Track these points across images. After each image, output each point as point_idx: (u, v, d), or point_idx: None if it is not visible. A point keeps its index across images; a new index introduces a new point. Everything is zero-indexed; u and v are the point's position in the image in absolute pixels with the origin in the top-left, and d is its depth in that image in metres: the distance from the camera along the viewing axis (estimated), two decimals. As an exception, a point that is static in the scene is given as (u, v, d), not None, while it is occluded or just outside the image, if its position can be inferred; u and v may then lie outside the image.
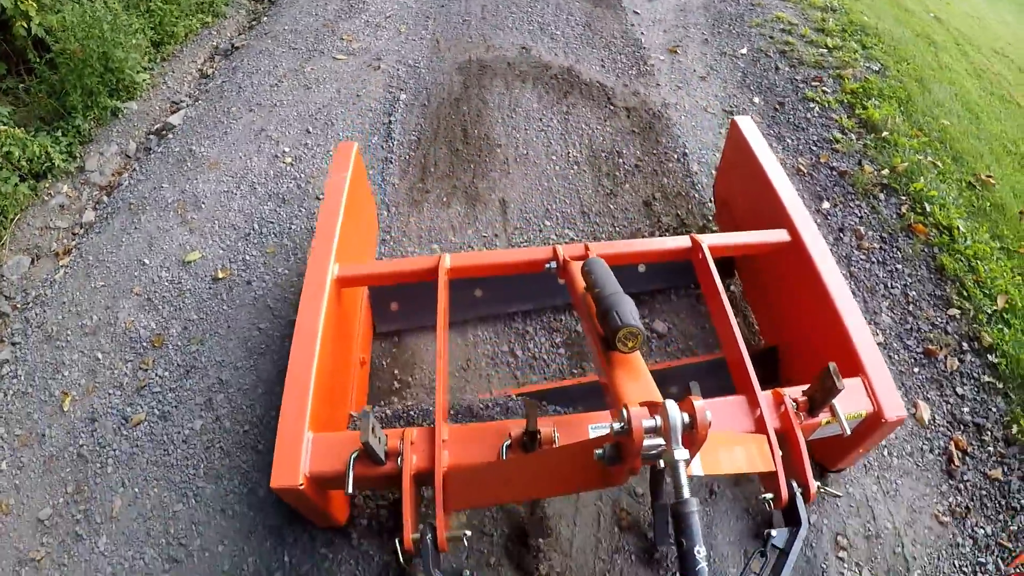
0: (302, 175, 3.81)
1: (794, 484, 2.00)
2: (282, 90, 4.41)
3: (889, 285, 3.35)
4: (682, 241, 2.63)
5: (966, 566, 2.51)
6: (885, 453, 2.80)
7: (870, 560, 2.49)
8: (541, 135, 4.04)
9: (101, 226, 3.62)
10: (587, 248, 2.50)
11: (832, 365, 1.97)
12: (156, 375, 3.00)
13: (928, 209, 3.65)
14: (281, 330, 3.11)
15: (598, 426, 2.08)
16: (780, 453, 2.01)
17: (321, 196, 3.56)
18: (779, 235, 2.69)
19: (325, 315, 2.32)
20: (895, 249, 3.49)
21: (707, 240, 2.60)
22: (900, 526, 2.58)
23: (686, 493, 1.48)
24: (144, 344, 3.11)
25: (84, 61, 3.94)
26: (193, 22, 5.07)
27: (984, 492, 2.70)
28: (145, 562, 2.50)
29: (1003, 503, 2.68)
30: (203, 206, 3.65)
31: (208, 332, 3.12)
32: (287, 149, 3.95)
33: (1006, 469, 2.76)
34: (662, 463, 1.52)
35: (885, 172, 3.87)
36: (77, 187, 3.88)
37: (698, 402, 1.49)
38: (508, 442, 2.00)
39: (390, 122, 4.15)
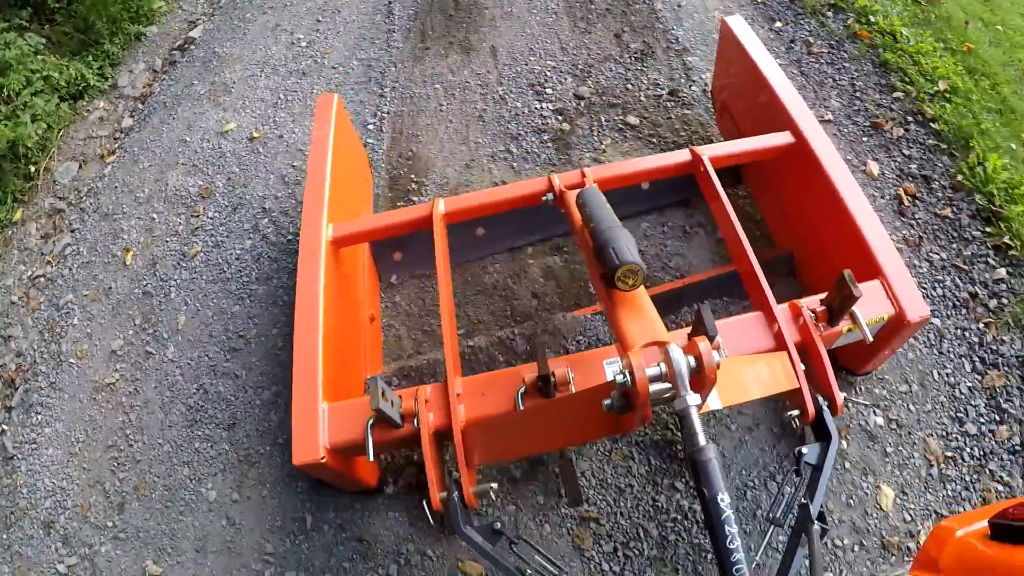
0: (317, 53, 4.24)
1: (820, 398, 1.96)
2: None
3: (837, 79, 3.73)
4: (682, 155, 2.56)
5: (925, 283, 2.92)
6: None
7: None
8: (522, -4, 4.44)
9: (140, 126, 4.06)
10: (583, 174, 2.43)
11: (847, 272, 1.89)
12: (207, 217, 3.47)
13: (872, 20, 4.01)
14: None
15: (612, 361, 2.03)
16: (803, 368, 1.96)
17: (335, 67, 4.02)
18: (782, 138, 2.60)
19: (325, 279, 2.27)
20: (842, 52, 3.86)
21: (707, 151, 2.53)
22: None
23: (702, 440, 1.44)
24: (194, 198, 3.57)
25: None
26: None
27: (935, 226, 3.10)
28: (209, 357, 2.99)
29: (955, 235, 3.07)
30: (233, 90, 4.10)
31: (250, 177, 3.59)
32: (301, 36, 4.37)
33: (955, 209, 3.14)
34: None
35: (834, -2, 4.24)
36: (112, 101, 4.32)
37: (703, 344, 1.45)
38: (523, 388, 1.96)
39: (390, 2, 4.56)
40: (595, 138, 3.54)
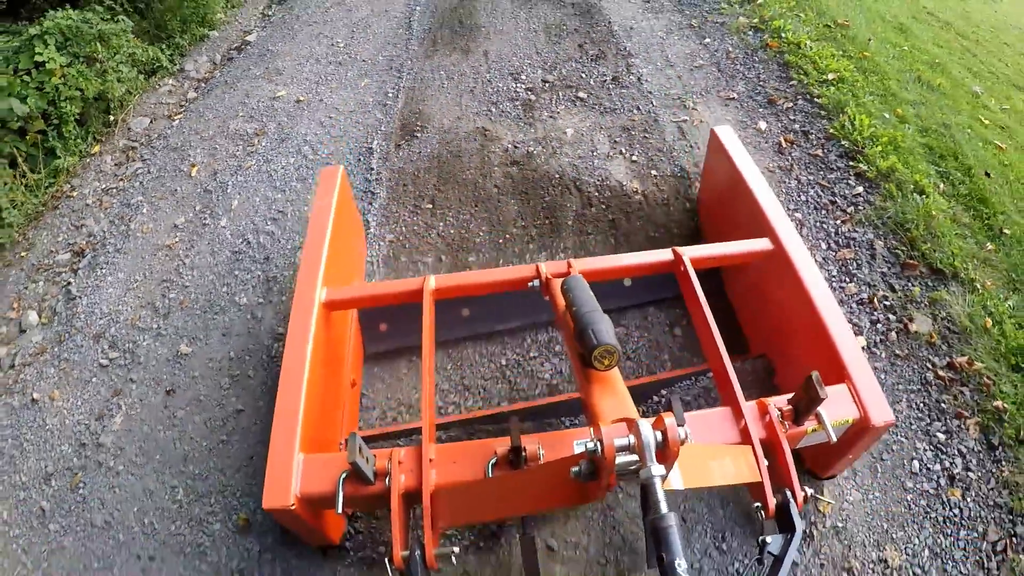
0: (351, 51, 5.48)
1: (786, 491, 2.00)
2: (330, 13, 6.13)
3: (746, 73, 4.87)
4: (664, 255, 2.67)
5: (793, 194, 3.90)
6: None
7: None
8: (511, 20, 5.72)
9: (203, 97, 5.20)
10: (569, 265, 2.54)
11: (815, 374, 1.98)
12: (260, 146, 4.54)
13: (783, 36, 5.19)
14: (345, 117, 4.73)
15: (582, 441, 2.02)
16: (766, 463, 2.01)
17: (365, 60, 5.25)
18: (762, 244, 2.71)
19: (314, 338, 2.38)
20: (754, 57, 5.03)
21: (689, 252, 2.62)
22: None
23: (663, 508, 1.50)
24: (250, 135, 4.66)
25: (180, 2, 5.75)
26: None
27: (807, 160, 4.11)
28: (254, 223, 3.96)
29: (823, 166, 4.06)
30: (283, 73, 5.30)
31: (296, 123, 4.70)
32: (339, 40, 5.65)
33: (824, 150, 4.16)
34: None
35: (755, 20, 5.45)
36: (179, 80, 5.48)
37: (669, 419, 1.53)
38: (494, 460, 2.03)
39: (410, 22, 5.87)
40: (552, 105, 4.64)
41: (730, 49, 5.13)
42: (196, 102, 5.17)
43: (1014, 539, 2.54)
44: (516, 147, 4.25)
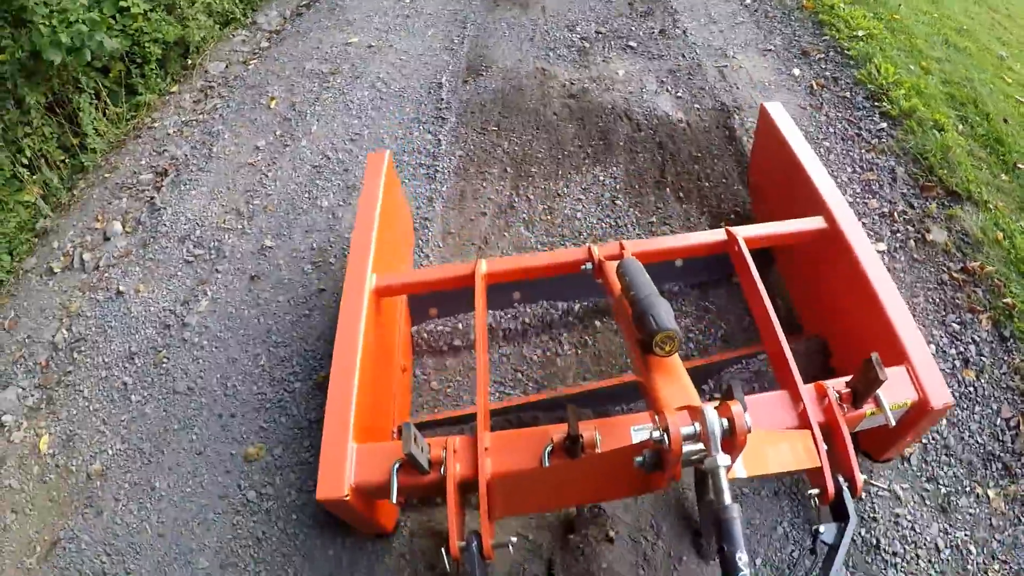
0: (417, 6, 5.83)
1: (840, 478, 1.97)
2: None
3: (782, 30, 5.24)
4: (718, 235, 2.64)
5: (823, 127, 4.28)
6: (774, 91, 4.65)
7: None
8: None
9: (277, 45, 5.62)
10: (622, 247, 2.51)
11: (875, 355, 1.93)
12: (336, 82, 4.99)
13: (820, -1, 5.60)
14: (415, 59, 5.20)
15: (640, 427, 2.05)
16: (825, 447, 1.97)
17: (431, 13, 5.72)
18: (816, 223, 2.67)
19: (364, 326, 2.38)
20: (791, 16, 5.38)
21: (742, 232, 2.59)
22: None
23: (727, 499, 1.47)
24: (325, 74, 5.11)
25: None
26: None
27: (836, 101, 4.49)
28: (332, 144, 4.42)
29: (850, 105, 4.43)
30: (353, 23, 5.75)
31: (368, 64, 5.17)
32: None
33: (852, 93, 4.53)
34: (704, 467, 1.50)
35: (791, -17, 5.87)
36: (252, 31, 5.91)
37: (736, 407, 1.49)
38: (550, 447, 2.00)
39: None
40: (605, 52, 5.06)
41: (768, 9, 5.52)
42: (270, 50, 5.62)
43: None
44: (572, 84, 4.69)
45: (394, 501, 1.98)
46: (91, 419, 3.19)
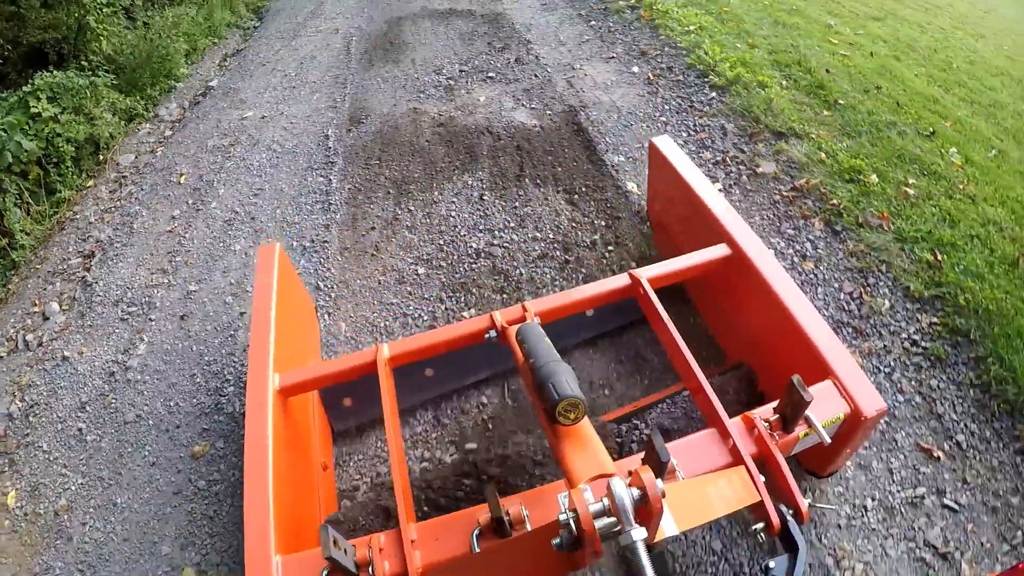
0: (302, 78, 6.63)
1: (783, 508, 1.92)
2: (279, 54, 7.27)
3: (623, 39, 6.09)
4: (621, 280, 2.62)
5: (659, 103, 5.03)
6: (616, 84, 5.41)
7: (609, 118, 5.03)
8: (431, 34, 6.95)
9: (179, 132, 6.19)
10: (524, 308, 2.48)
11: (796, 378, 1.92)
12: (236, 152, 5.58)
13: (655, 8, 6.39)
14: (303, 120, 5.83)
15: (567, 495, 1.95)
16: (763, 479, 1.93)
17: (315, 81, 6.41)
18: (719, 251, 2.68)
19: (273, 429, 2.29)
20: (631, 27, 6.24)
21: (646, 273, 2.59)
22: (617, 101, 5.18)
23: (649, 574, 1.43)
24: (226, 146, 5.69)
25: (148, 60, 6.86)
26: (206, 41, 8.10)
27: (670, 84, 5.26)
28: (241, 200, 4.98)
29: (682, 84, 5.19)
30: (246, 102, 6.40)
31: (263, 132, 5.79)
32: (291, 71, 6.78)
33: (684, 76, 5.30)
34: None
35: (632, 1, 6.69)
36: (155, 124, 6.41)
37: (646, 475, 1.47)
38: (478, 530, 1.93)
39: (348, 48, 7.08)
40: (468, 85, 5.81)
41: (611, 25, 6.35)
42: (173, 136, 6.21)
43: (867, 287, 3.42)
44: (440, 115, 5.37)
45: None
46: (52, 467, 3.60)
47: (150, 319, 4.23)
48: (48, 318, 4.46)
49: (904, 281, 3.40)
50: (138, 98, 6.63)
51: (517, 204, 4.32)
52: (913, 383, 3.00)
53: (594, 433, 1.87)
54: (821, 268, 3.57)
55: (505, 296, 3.72)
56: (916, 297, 3.32)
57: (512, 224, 4.18)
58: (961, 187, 3.89)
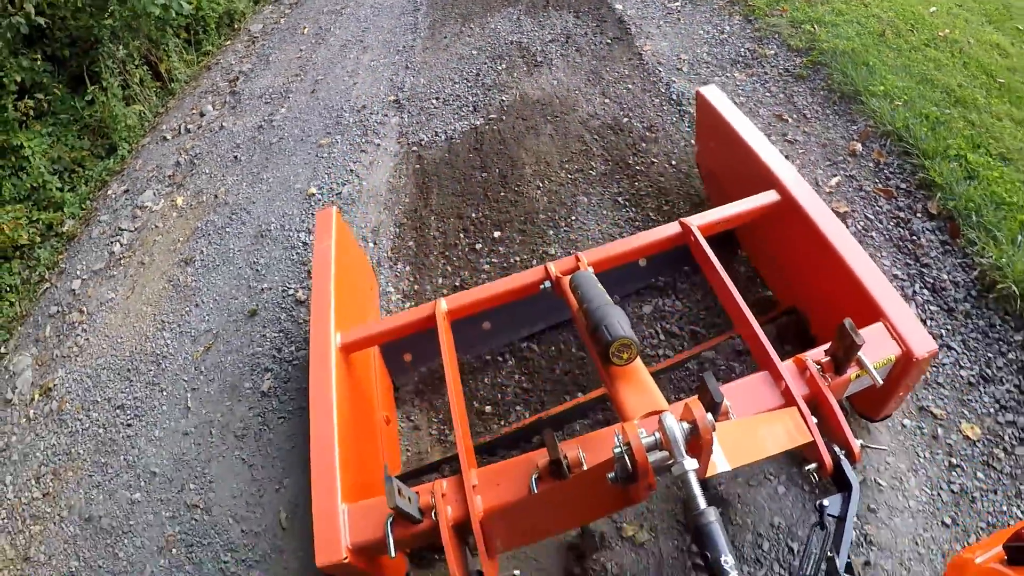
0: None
1: (836, 448, 1.99)
2: None
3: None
4: (672, 228, 2.66)
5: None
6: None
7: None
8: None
9: (296, 10, 8.02)
10: (577, 258, 2.55)
11: (847, 321, 1.96)
12: (345, 12, 7.61)
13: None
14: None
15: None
16: (815, 421, 1.98)
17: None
18: (769, 197, 2.70)
19: (336, 384, 2.41)
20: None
21: (696, 220, 2.62)
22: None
23: (701, 504, 1.49)
24: (338, 11, 7.69)
25: None
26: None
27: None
28: (353, 36, 7.01)
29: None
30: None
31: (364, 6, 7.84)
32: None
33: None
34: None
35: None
36: (277, 5, 8.48)
37: (697, 408, 1.53)
38: (536, 474, 2.01)
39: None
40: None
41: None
42: (293, 12, 8.04)
43: (760, 44, 4.90)
44: None
45: (392, 555, 1.99)
46: (212, 180, 5.45)
47: (287, 98, 6.20)
48: (204, 114, 6.43)
49: (788, 41, 4.89)
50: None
51: (541, 19, 6.15)
52: (780, 88, 4.58)
53: (646, 372, 1.95)
54: (732, 41, 5.09)
55: (525, 61, 5.56)
56: (794, 48, 4.78)
57: (536, 29, 6.02)
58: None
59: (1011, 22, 5.06)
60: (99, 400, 3.98)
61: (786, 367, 2.15)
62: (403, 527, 2.04)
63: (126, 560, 3.25)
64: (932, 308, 3.16)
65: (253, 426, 3.52)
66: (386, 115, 5.56)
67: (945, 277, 3.25)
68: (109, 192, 5.82)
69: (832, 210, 2.64)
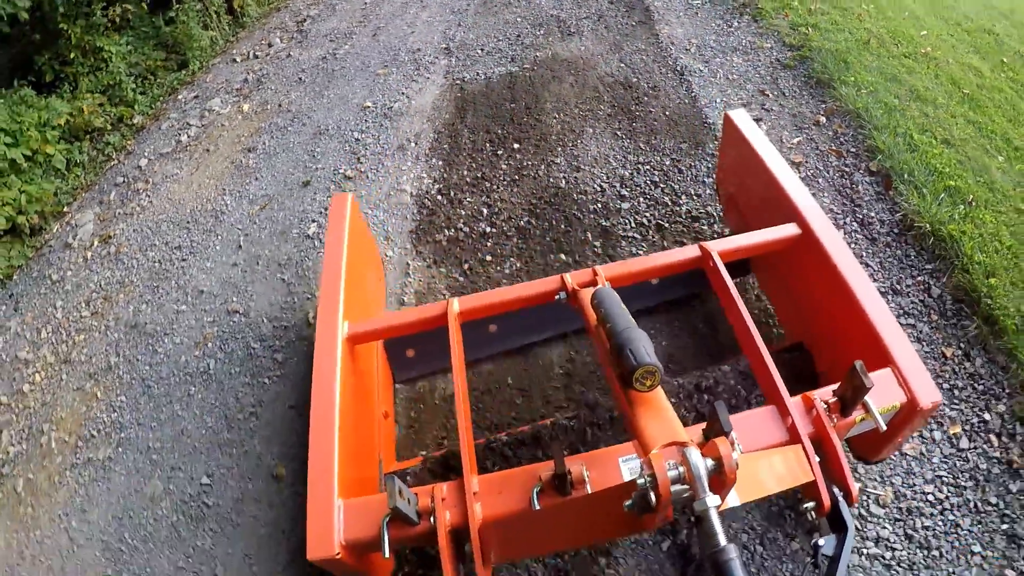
0: None
1: (835, 489, 2.01)
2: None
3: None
4: (691, 251, 2.67)
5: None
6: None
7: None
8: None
9: None
10: (595, 272, 2.55)
11: (859, 363, 1.95)
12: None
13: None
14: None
15: (628, 459, 2.07)
16: (817, 460, 2.00)
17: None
18: (789, 230, 2.70)
19: (340, 376, 2.38)
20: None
21: (716, 246, 2.63)
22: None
23: (722, 540, 1.48)
24: None
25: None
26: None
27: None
28: None
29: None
30: None
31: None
32: None
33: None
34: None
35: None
36: None
37: (723, 446, 1.51)
38: (539, 487, 2.00)
39: None
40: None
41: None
42: None
43: (759, 38, 5.67)
44: None
45: (386, 555, 1.98)
46: (276, 94, 6.31)
47: (350, 38, 7.10)
48: (272, 45, 7.32)
49: (784, 39, 5.74)
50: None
51: (579, 0, 7.08)
52: (769, 72, 5.40)
53: (667, 401, 1.92)
54: (737, 34, 5.84)
55: (561, 30, 6.45)
56: (788, 44, 5.60)
57: (574, 7, 6.85)
58: (857, 13, 5.99)
59: (997, 55, 5.61)
60: (157, 244, 4.72)
61: (794, 404, 2.16)
62: (399, 528, 2.04)
63: (163, 354, 3.91)
64: (858, 236, 3.84)
65: (295, 257, 4.30)
66: (437, 58, 6.41)
67: (873, 216, 3.93)
68: (179, 97, 6.71)
69: (823, 213, 2.75)
